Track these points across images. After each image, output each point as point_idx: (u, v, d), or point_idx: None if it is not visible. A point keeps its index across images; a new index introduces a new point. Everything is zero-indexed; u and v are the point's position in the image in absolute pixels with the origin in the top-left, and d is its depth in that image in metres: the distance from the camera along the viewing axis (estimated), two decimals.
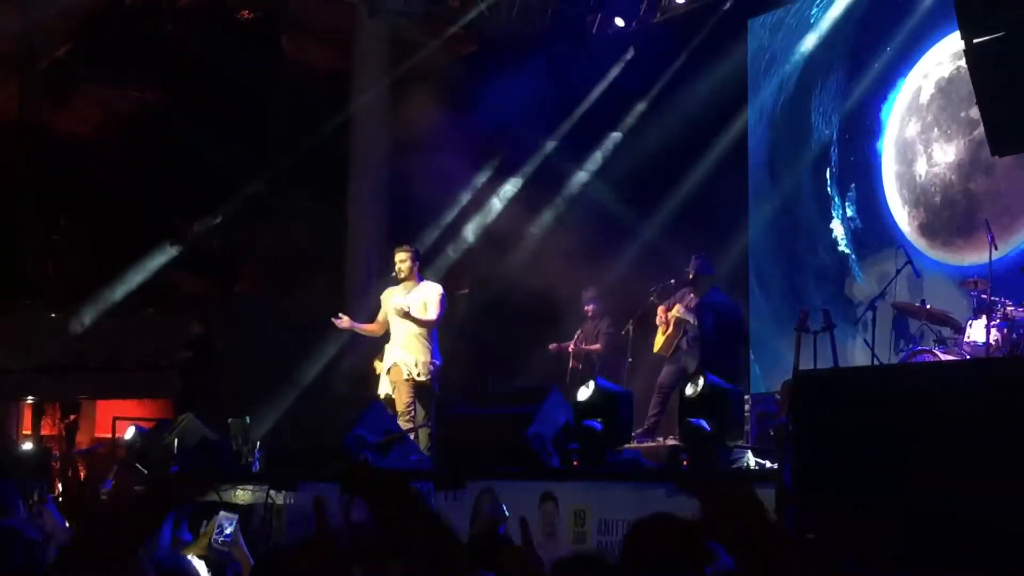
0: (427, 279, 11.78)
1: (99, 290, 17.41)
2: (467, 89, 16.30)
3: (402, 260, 11.31)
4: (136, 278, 17.33)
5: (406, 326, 11.28)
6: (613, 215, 16.07)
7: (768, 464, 8.70)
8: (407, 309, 11.12)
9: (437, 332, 11.46)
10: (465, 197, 17.05)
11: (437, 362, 11.36)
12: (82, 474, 17.27)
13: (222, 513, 7.46)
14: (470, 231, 17.05)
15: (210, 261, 17.40)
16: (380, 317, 11.57)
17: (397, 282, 11.46)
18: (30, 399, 18.47)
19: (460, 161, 16.50)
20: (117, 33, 16.38)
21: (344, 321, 11.53)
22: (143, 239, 17.23)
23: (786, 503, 6.17)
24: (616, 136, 16.66)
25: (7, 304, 17.24)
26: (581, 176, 16.87)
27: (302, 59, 17.04)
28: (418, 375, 11.22)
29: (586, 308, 14.43)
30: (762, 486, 6.94)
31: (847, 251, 14.45)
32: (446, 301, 11.53)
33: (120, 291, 17.36)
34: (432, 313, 11.25)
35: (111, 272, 17.56)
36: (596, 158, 16.84)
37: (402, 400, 11.10)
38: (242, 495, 10.76)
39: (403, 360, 11.27)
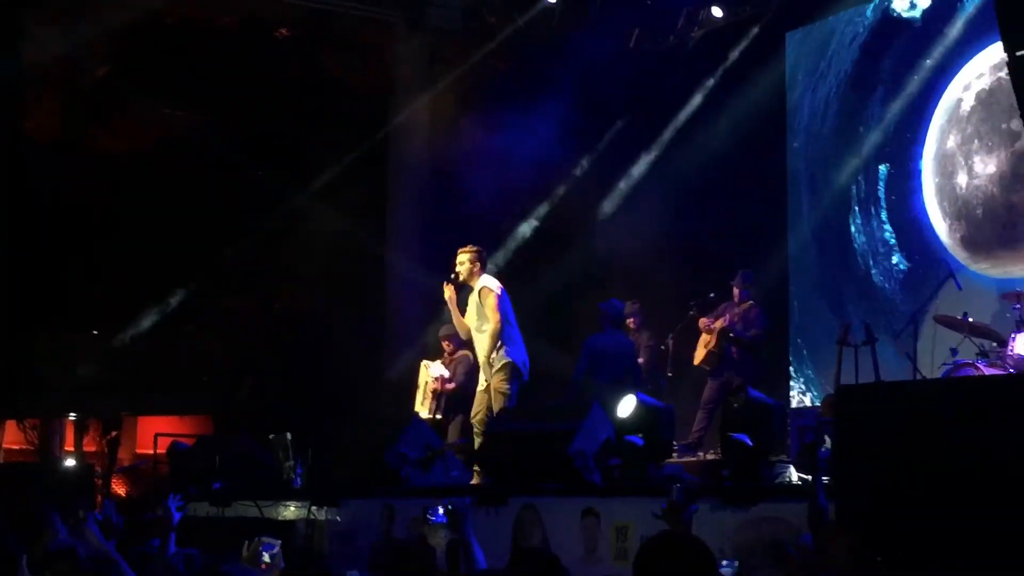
0: (488, 278, 11.21)
1: (141, 308, 17.51)
2: (504, 106, 16.31)
3: (461, 262, 11.05)
4: (175, 299, 17.44)
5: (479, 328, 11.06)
6: (650, 229, 16.03)
7: (810, 479, 8.66)
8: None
9: (511, 328, 11.04)
10: (508, 213, 17.04)
11: (513, 359, 10.94)
12: (123, 490, 17.40)
13: (264, 538, 7.45)
14: (516, 240, 16.98)
15: (249, 278, 17.45)
16: (460, 319, 11.25)
17: (461, 284, 11.10)
18: (72, 416, 18.57)
19: (497, 177, 16.51)
20: (158, 52, 16.49)
21: (449, 291, 11.11)
22: (184, 257, 17.31)
23: (820, 519, 6.13)
24: (650, 156, 16.66)
25: (50, 323, 17.35)
26: (619, 191, 16.86)
27: (341, 76, 17.10)
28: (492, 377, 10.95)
29: (628, 321, 14.32)
30: (799, 501, 6.93)
31: (888, 264, 14.38)
32: (505, 297, 11.04)
33: (161, 309, 17.46)
34: (492, 320, 10.90)
35: (152, 291, 17.65)
36: (633, 174, 16.84)
37: (497, 404, 10.87)
38: (284, 511, 10.79)
39: (483, 364, 11.12)
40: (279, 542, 7.48)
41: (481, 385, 11.04)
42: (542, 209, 16.86)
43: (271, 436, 11.76)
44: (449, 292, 11.07)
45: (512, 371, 10.80)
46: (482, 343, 10.95)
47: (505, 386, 10.72)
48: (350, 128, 16.99)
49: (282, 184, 17.18)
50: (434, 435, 10.73)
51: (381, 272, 16.93)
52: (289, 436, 11.60)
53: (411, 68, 16.88)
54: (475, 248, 11.15)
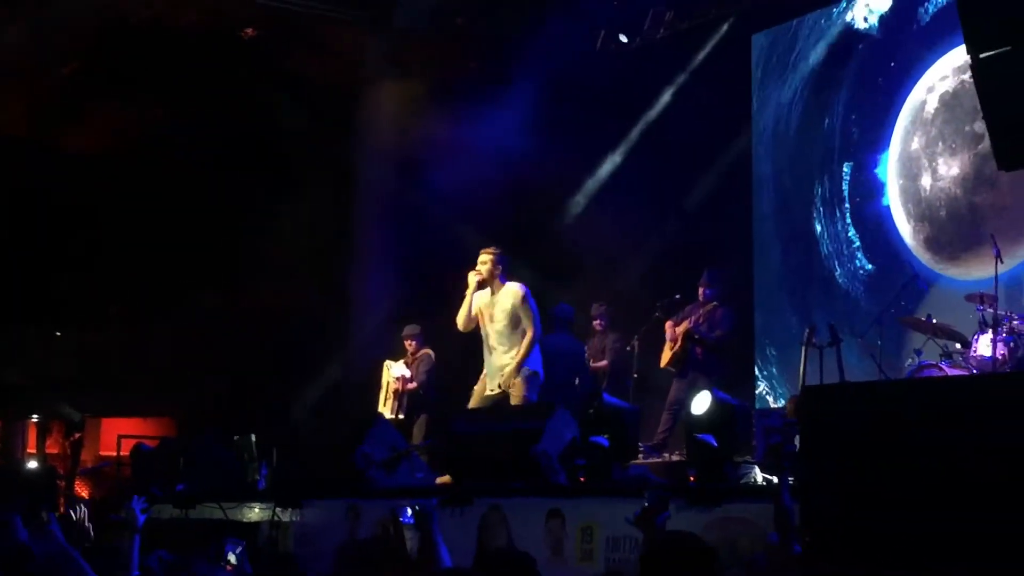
0: (510, 281, 10.92)
1: (104, 307, 17.42)
2: (471, 105, 16.30)
3: (483, 262, 10.78)
4: (140, 298, 17.36)
5: (500, 331, 10.79)
6: (616, 230, 16.03)
7: (775, 480, 8.67)
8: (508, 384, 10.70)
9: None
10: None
11: (537, 370, 10.77)
12: (87, 493, 17.29)
13: (228, 539, 7.42)
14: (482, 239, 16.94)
15: (213, 277, 17.39)
16: (467, 313, 10.87)
17: (480, 285, 10.81)
18: (35, 417, 18.46)
19: (463, 177, 16.49)
20: (124, 51, 16.40)
21: (475, 281, 10.72)
22: (149, 257, 17.23)
23: (785, 520, 6.14)
24: (616, 156, 16.67)
25: (14, 322, 17.24)
26: (586, 191, 16.86)
27: (308, 77, 17.05)
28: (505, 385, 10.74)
29: (595, 322, 14.31)
30: (764, 502, 6.94)
31: (853, 266, 14.43)
32: (533, 303, 10.80)
33: (124, 308, 17.38)
34: (532, 327, 10.71)
35: (116, 290, 17.57)
36: (599, 175, 16.85)
37: None
38: (248, 513, 10.74)
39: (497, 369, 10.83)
40: (243, 542, 7.44)
41: (488, 391, 10.78)
42: (508, 209, 16.82)
43: (235, 437, 11.73)
44: (474, 282, 10.75)
45: (535, 381, 10.73)
46: (505, 347, 10.70)
47: (527, 393, 10.58)
48: (316, 127, 16.94)
49: (249, 182, 17.12)
50: (399, 436, 10.70)
51: (347, 271, 16.89)
52: (253, 437, 11.57)
53: (377, 68, 16.85)
54: (497, 250, 10.89)
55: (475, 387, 10.91)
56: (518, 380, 10.60)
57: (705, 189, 15.84)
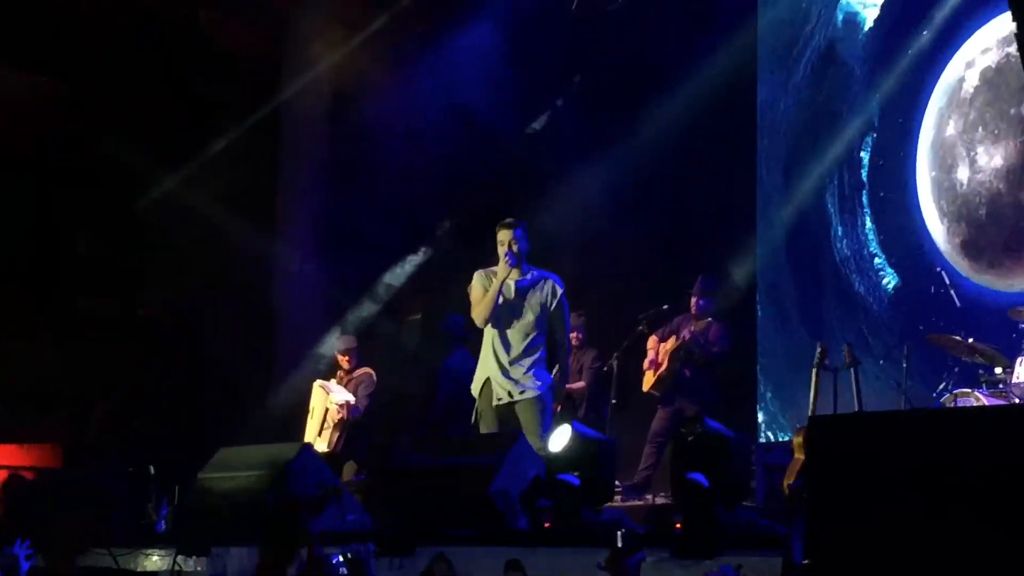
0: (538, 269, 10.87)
1: None
2: (421, 74, 16.28)
3: (518, 239, 10.63)
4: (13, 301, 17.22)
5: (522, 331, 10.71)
6: (592, 226, 16.00)
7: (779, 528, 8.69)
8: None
9: (545, 338, 10.78)
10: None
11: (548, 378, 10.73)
12: None
13: None
14: (435, 233, 16.95)
15: (107, 277, 17.31)
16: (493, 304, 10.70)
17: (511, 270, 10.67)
18: None
19: (411, 161, 16.48)
20: (11, 6, 16.33)
21: (507, 268, 10.60)
22: (27, 249, 17.12)
23: None
24: (594, 140, 16.65)
25: None
26: (556, 181, 16.80)
27: (225, 40, 16.99)
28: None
29: (571, 335, 14.33)
30: (768, 554, 6.92)
31: (873, 274, 14.47)
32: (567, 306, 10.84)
33: None
34: (563, 332, 10.79)
35: None
36: (573, 162, 16.80)
37: (533, 431, 10.60)
38: (144, 561, 10.68)
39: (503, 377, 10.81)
40: None
41: (494, 399, 10.59)
42: (464, 200, 16.80)
43: (130, 470, 11.66)
44: (508, 267, 10.60)
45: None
46: (523, 353, 10.61)
47: (541, 415, 10.46)
48: (234, 102, 16.88)
49: (151, 164, 17.03)
50: (327, 469, 10.66)
51: (269, 272, 16.83)
52: (152, 470, 11.49)
53: (308, 33, 16.81)
54: (520, 223, 10.79)
55: (477, 405, 10.73)
56: (536, 393, 10.51)
57: (701, 182, 15.79)
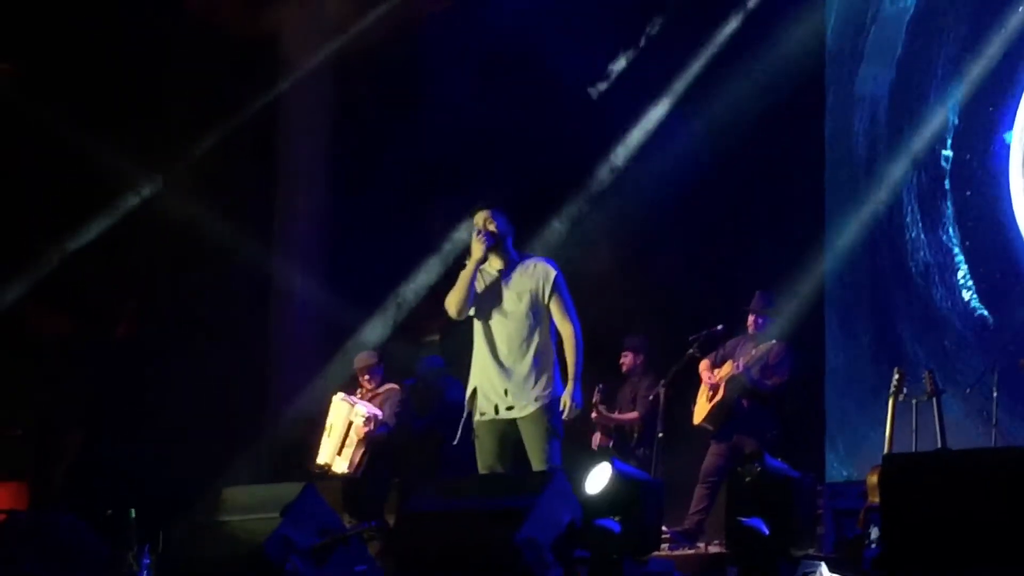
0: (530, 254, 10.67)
1: None
2: (421, 71, 16.40)
3: (487, 221, 10.31)
4: None
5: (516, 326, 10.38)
6: (633, 236, 16.00)
7: None
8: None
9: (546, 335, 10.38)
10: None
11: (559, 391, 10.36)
12: None
13: None
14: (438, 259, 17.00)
15: (79, 292, 17.39)
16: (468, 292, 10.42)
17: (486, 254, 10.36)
18: None
19: (423, 153, 16.53)
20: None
21: (481, 249, 10.26)
22: None
23: None
24: (644, 127, 16.70)
25: None
26: (587, 183, 16.84)
27: (211, 22, 17.07)
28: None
29: (624, 357, 14.31)
30: None
31: (959, 289, 14.45)
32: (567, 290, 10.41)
33: None
34: (570, 323, 10.29)
35: None
36: (617, 154, 16.87)
37: (537, 450, 10.46)
38: None
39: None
40: None
41: (477, 412, 10.39)
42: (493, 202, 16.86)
43: (107, 512, 11.70)
44: (481, 250, 10.28)
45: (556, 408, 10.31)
46: (520, 351, 10.31)
47: (550, 425, 10.24)
48: (223, 90, 16.96)
49: (130, 164, 17.11)
50: (332, 513, 10.68)
51: (266, 286, 16.89)
52: (133, 513, 11.53)
53: (307, 14, 16.91)
54: (494, 207, 10.42)
55: (474, 424, 10.49)
56: (538, 405, 10.26)
57: (761, 183, 15.77)
